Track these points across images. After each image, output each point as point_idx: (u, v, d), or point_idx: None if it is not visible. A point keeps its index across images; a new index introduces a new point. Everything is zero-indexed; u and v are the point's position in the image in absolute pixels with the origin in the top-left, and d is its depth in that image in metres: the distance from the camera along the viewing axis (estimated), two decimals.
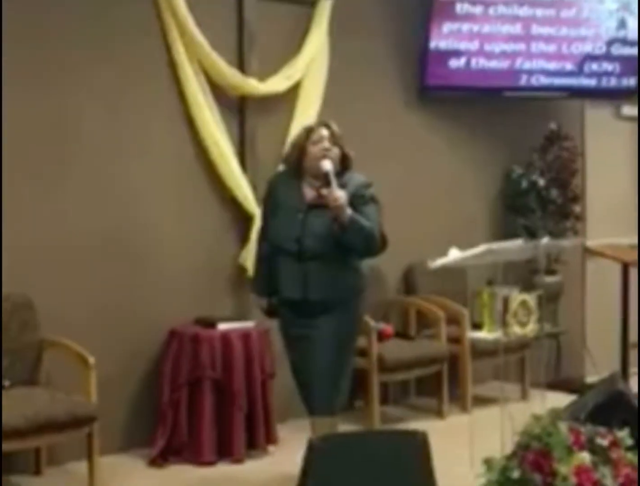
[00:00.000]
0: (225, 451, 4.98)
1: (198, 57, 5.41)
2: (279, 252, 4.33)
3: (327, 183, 4.23)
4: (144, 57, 5.30)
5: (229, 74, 5.52)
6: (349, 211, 4.19)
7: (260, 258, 4.56)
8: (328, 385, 4.34)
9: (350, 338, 4.42)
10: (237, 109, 5.64)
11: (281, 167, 4.66)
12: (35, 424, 4.33)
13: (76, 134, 5.09)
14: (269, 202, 4.48)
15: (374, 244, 4.34)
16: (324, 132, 4.37)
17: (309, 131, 4.41)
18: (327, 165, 4.29)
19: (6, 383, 4.60)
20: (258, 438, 5.08)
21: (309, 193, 4.34)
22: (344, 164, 4.39)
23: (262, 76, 5.65)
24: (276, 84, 5.70)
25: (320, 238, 4.28)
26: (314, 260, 4.28)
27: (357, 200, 4.29)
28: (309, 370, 4.32)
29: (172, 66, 5.38)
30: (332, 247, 4.28)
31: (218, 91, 5.51)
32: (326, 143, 4.34)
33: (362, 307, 4.47)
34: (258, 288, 4.61)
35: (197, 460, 5.05)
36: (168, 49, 5.36)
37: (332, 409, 4.36)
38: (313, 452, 3.77)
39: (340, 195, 4.17)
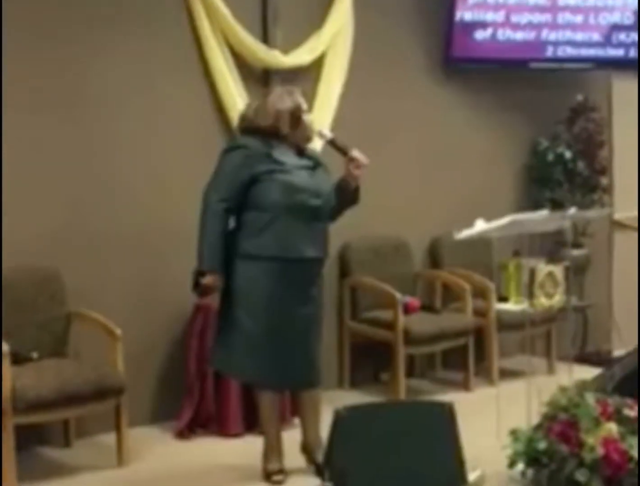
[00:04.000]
0: (251, 423, 5.00)
1: (222, 29, 5.40)
2: (279, 210, 4.23)
3: (341, 149, 4.37)
4: (168, 30, 5.29)
5: (253, 47, 5.51)
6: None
7: (214, 225, 4.25)
8: (317, 353, 4.44)
9: (322, 302, 4.56)
10: (261, 81, 5.62)
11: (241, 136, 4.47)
12: (63, 396, 4.38)
13: (97, 109, 5.10)
14: (242, 170, 4.25)
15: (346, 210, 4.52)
16: (303, 101, 4.45)
17: (292, 101, 4.39)
18: (329, 133, 4.52)
19: (34, 355, 4.64)
20: (284, 410, 5.10)
21: (298, 159, 4.37)
22: None
23: (286, 49, 5.63)
24: (300, 56, 5.69)
25: (329, 195, 4.39)
26: (322, 215, 4.37)
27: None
28: (301, 344, 4.34)
29: (197, 38, 5.37)
30: (331, 204, 4.41)
31: (242, 63, 5.51)
32: (308, 112, 4.50)
33: None
34: (217, 262, 4.27)
35: (224, 432, 5.08)
36: (192, 21, 5.35)
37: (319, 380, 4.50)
38: (339, 422, 3.78)
39: (363, 156, 4.33)
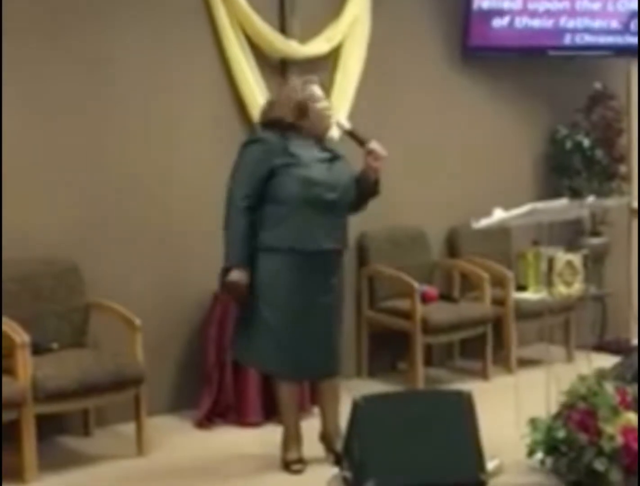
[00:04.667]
0: (270, 413, 5.00)
1: (239, 19, 5.40)
2: (297, 203, 4.22)
3: (359, 140, 4.35)
4: (185, 21, 5.30)
5: (270, 36, 5.50)
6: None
7: (239, 222, 4.25)
8: (338, 344, 4.45)
9: (344, 294, 4.56)
10: (279, 71, 5.62)
11: (261, 130, 4.45)
12: (83, 386, 4.40)
13: (116, 98, 5.12)
14: (260, 164, 4.25)
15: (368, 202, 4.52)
16: (318, 89, 4.38)
17: (303, 89, 4.35)
18: (347, 123, 4.46)
19: (54, 345, 4.67)
20: (303, 399, 5.10)
21: (318, 152, 4.33)
22: None
23: (304, 38, 5.63)
24: (317, 46, 5.68)
25: (349, 188, 4.37)
26: (340, 208, 4.34)
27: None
28: (322, 333, 4.33)
29: (214, 28, 5.37)
30: (351, 197, 4.41)
31: (259, 53, 5.51)
32: (325, 101, 4.39)
33: None
34: (243, 258, 4.25)
35: (243, 421, 5.10)
36: (209, 11, 5.36)
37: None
38: (358, 411, 3.79)
39: (382, 149, 4.32)
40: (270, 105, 4.45)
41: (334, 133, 4.73)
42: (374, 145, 4.32)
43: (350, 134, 4.41)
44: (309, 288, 4.28)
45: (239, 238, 4.26)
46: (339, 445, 4.35)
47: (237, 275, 4.25)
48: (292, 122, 4.29)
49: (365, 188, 4.41)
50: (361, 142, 4.36)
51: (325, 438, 4.52)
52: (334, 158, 4.38)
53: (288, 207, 4.24)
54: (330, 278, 4.35)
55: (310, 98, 4.32)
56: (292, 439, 4.46)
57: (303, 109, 4.30)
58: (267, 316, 4.28)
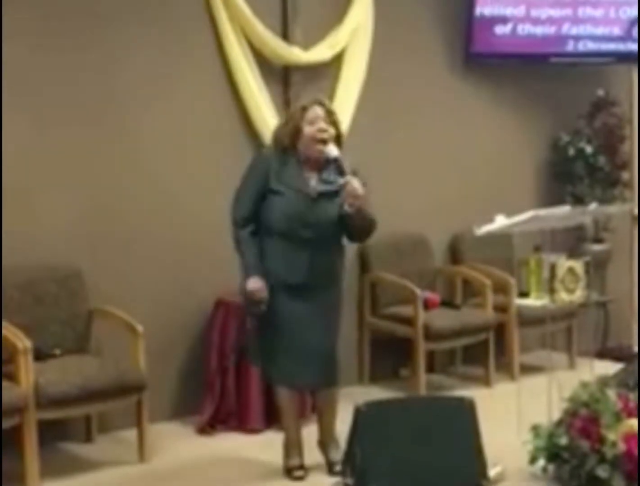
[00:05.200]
0: (272, 419, 5.00)
1: (241, 25, 5.41)
2: (276, 234, 4.22)
3: (339, 171, 4.18)
4: (188, 25, 5.31)
5: (273, 43, 5.51)
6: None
7: (245, 237, 4.27)
8: (333, 357, 4.39)
9: (340, 310, 4.46)
10: (281, 77, 5.63)
11: (267, 148, 4.46)
12: (85, 392, 4.40)
13: (118, 105, 5.13)
14: (258, 182, 4.24)
15: (373, 230, 4.38)
16: (319, 111, 4.25)
17: (303, 109, 4.26)
18: (334, 151, 4.21)
19: (57, 351, 4.67)
20: (304, 406, 5.10)
21: (315, 182, 4.25)
22: (337, 144, 4.27)
23: (306, 45, 5.64)
24: (320, 52, 5.69)
25: (330, 225, 4.27)
26: (320, 245, 4.25)
27: None
28: (313, 345, 4.28)
29: (216, 34, 5.39)
30: (337, 232, 4.31)
31: (262, 60, 5.51)
32: (322, 124, 4.23)
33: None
34: (257, 268, 4.25)
35: (245, 427, 5.10)
36: (211, 17, 5.36)
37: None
38: (360, 418, 3.79)
39: (359, 186, 4.13)
40: (279, 124, 4.47)
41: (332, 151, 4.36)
42: (350, 179, 4.14)
43: (335, 162, 4.21)
44: (296, 310, 4.26)
45: (249, 253, 4.25)
46: (333, 454, 4.41)
47: (253, 283, 4.24)
48: (288, 144, 4.25)
49: (353, 224, 4.27)
50: (342, 173, 4.18)
51: (321, 446, 4.53)
52: (325, 194, 4.25)
53: (268, 236, 4.26)
54: (315, 306, 4.29)
55: (306, 121, 4.23)
56: (293, 446, 4.46)
57: (297, 132, 4.23)
58: (263, 327, 4.31)
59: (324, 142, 4.21)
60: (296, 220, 4.20)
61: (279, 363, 4.32)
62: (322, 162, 4.26)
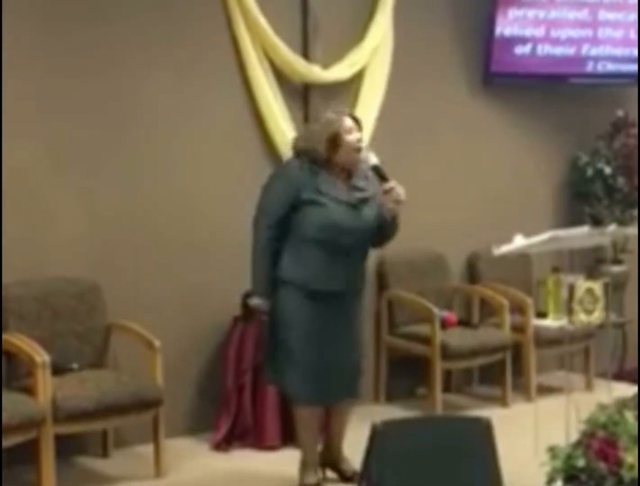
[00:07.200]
0: (288, 436, 5.00)
1: (262, 43, 5.43)
2: (315, 243, 4.24)
3: (381, 177, 4.27)
4: (208, 43, 5.34)
5: (293, 61, 5.53)
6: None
7: (262, 251, 4.31)
8: (359, 368, 4.46)
9: (363, 318, 4.56)
10: (301, 95, 5.65)
11: (292, 159, 4.45)
12: (102, 406, 4.42)
13: (140, 120, 5.17)
14: (287, 192, 4.25)
15: (395, 236, 4.48)
16: (351, 122, 4.32)
17: (337, 121, 4.29)
18: (373, 158, 4.32)
19: (75, 366, 4.68)
20: (321, 423, 5.10)
21: (348, 189, 4.29)
22: None
23: (326, 63, 5.66)
24: (340, 71, 5.71)
25: (368, 231, 4.34)
26: (356, 252, 4.34)
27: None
28: (342, 358, 4.34)
29: (237, 52, 5.41)
30: (371, 238, 4.39)
31: (282, 78, 5.54)
32: (358, 134, 4.32)
33: None
34: (262, 286, 4.34)
35: (261, 444, 5.09)
36: (232, 34, 5.40)
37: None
38: (376, 436, 3.78)
39: (403, 191, 4.25)
40: (305, 134, 4.46)
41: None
42: (393, 184, 4.25)
43: (375, 169, 4.31)
44: (326, 321, 4.30)
45: (260, 268, 4.31)
46: (345, 465, 4.52)
47: (257, 302, 4.34)
48: (325, 154, 4.26)
49: (383, 227, 4.38)
50: (383, 179, 4.28)
51: (329, 459, 4.54)
52: (362, 200, 4.32)
53: (306, 244, 4.26)
54: (346, 314, 4.36)
55: (345, 130, 4.27)
56: (310, 463, 4.45)
57: (336, 141, 4.25)
58: (287, 342, 4.31)
59: (360, 150, 4.32)
60: (338, 228, 4.24)
61: (304, 378, 4.32)
62: (352, 170, 4.32)
